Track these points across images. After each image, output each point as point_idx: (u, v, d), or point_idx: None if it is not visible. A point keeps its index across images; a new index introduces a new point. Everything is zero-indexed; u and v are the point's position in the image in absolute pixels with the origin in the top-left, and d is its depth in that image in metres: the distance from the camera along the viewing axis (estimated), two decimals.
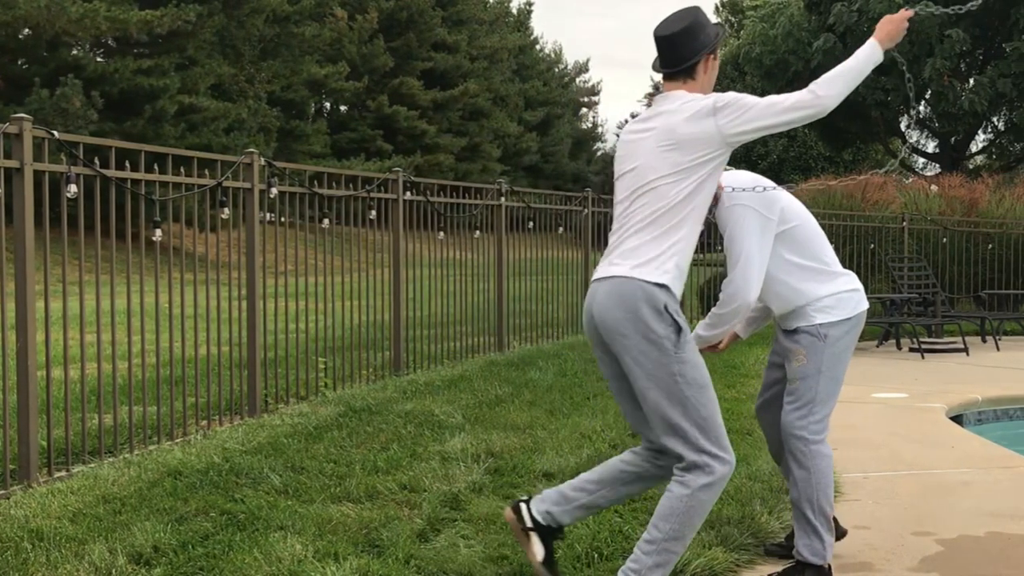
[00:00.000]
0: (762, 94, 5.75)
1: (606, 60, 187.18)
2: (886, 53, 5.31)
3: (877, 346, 18.72)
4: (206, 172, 9.60)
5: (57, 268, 18.92)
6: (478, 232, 14.82)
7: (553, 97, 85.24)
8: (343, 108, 66.85)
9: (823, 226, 6.03)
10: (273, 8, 48.22)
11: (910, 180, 40.36)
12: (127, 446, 8.49)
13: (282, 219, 11.08)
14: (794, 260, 5.71)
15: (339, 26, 57.44)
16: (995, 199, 23.82)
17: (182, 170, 9.32)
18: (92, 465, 7.90)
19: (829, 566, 5.68)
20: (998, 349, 18.18)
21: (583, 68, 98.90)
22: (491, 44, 73.72)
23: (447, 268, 14.19)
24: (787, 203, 5.74)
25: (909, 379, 14.08)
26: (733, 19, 72.93)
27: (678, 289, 5.09)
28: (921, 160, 59.31)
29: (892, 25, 5.29)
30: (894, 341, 18.72)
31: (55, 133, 7.72)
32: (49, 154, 7.74)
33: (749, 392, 11.37)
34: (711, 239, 18.91)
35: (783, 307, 5.79)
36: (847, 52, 37.07)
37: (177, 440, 8.87)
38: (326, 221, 11.31)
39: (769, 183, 5.77)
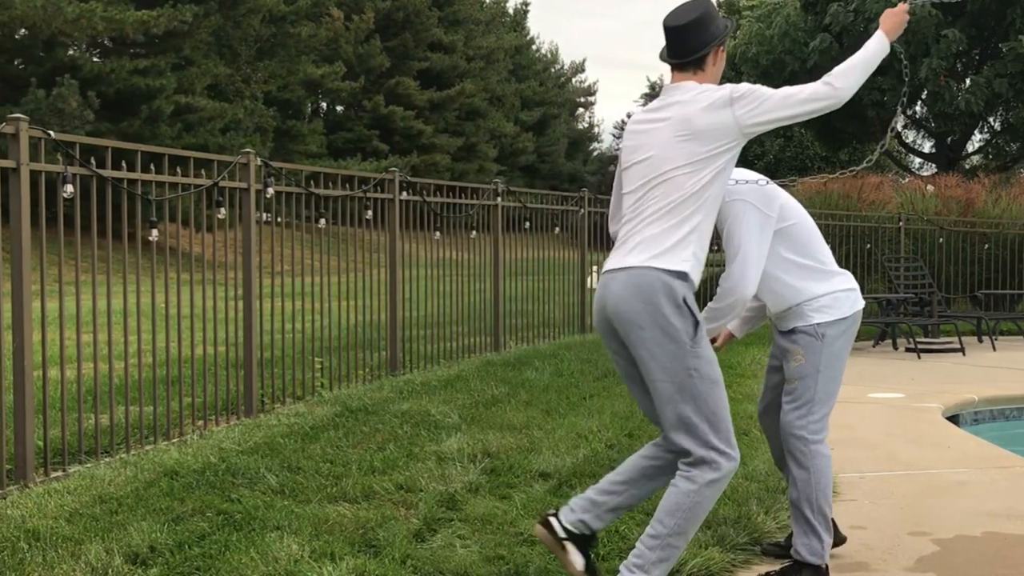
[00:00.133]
0: None
1: (602, 60, 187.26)
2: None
3: (873, 346, 18.73)
4: (202, 172, 9.60)
5: (54, 268, 18.91)
6: (474, 232, 14.82)
7: (549, 97, 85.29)
8: (339, 108, 66.90)
9: (820, 226, 6.04)
10: (269, 8, 48.22)
11: (906, 180, 40.38)
12: (123, 446, 8.49)
13: (278, 219, 11.07)
14: (791, 258, 5.72)
15: (335, 26, 57.42)
16: (991, 199, 23.85)
17: (178, 170, 9.32)
18: (88, 465, 7.89)
19: (826, 566, 5.69)
20: (994, 349, 18.20)
21: (579, 68, 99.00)
22: (487, 44, 73.77)
23: (443, 268, 14.19)
24: (785, 201, 5.75)
25: (905, 379, 14.09)
26: (729, 19, 72.90)
27: (696, 278, 5.11)
28: (917, 160, 59.36)
29: (896, 17, 5.37)
30: (890, 341, 18.72)
31: (51, 133, 7.72)
32: (45, 154, 7.74)
33: (746, 392, 11.37)
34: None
35: (779, 305, 5.79)
36: (844, 52, 37.12)
37: (173, 440, 8.86)
38: (322, 221, 11.31)
39: (765, 180, 5.78)
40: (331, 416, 9.57)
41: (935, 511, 7.24)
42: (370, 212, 12.23)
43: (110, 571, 5.53)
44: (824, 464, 5.68)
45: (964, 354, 17.11)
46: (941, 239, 21.65)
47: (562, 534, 5.35)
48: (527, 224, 16.55)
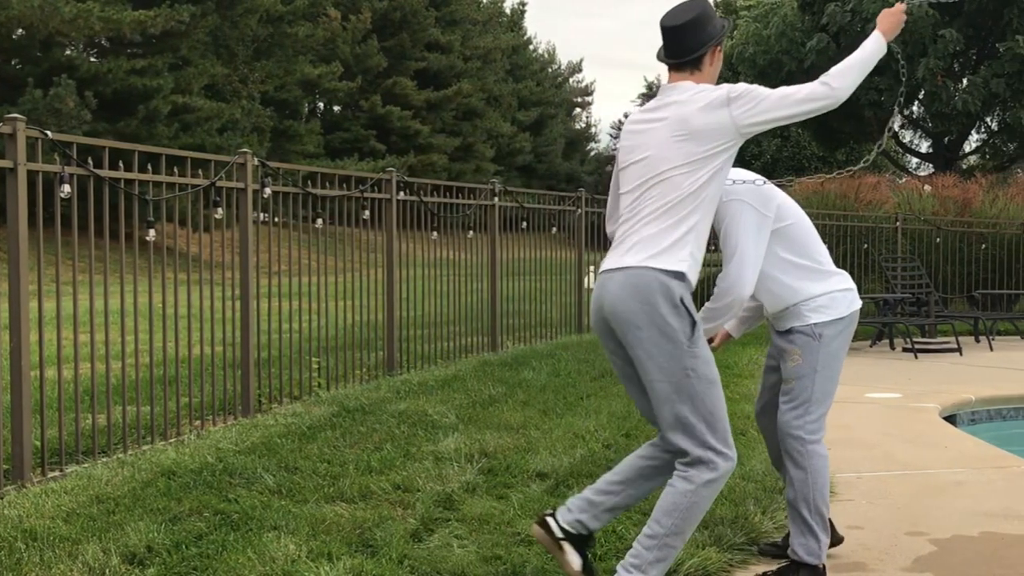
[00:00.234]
0: None
1: (600, 60, 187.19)
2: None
3: (871, 346, 18.74)
4: (200, 172, 9.60)
5: (51, 268, 18.90)
6: (471, 232, 14.82)
7: (546, 97, 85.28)
8: (336, 108, 66.89)
9: (816, 226, 6.06)
10: (266, 8, 48.23)
11: (903, 180, 40.39)
12: (121, 446, 8.49)
13: (276, 219, 11.08)
14: (788, 258, 5.72)
15: (332, 26, 57.41)
16: (988, 199, 23.86)
17: (176, 170, 9.32)
18: (86, 465, 7.89)
19: (823, 566, 5.69)
20: (991, 349, 18.21)
21: (576, 68, 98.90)
22: (484, 44, 73.77)
23: (440, 268, 14.19)
24: (782, 201, 5.76)
25: (903, 379, 14.10)
26: (726, 19, 72.95)
27: (694, 278, 5.11)
28: (915, 160, 59.36)
29: (893, 17, 5.40)
30: (887, 341, 18.74)
31: (49, 133, 7.72)
32: (43, 154, 7.74)
33: (742, 392, 11.38)
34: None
35: (776, 304, 5.80)
36: (841, 52, 37.11)
37: (171, 440, 8.86)
38: (320, 221, 11.31)
39: (762, 180, 5.78)
40: (328, 416, 9.57)
41: (932, 511, 7.25)
42: (367, 212, 12.23)
43: (107, 571, 5.53)
44: (821, 464, 5.68)
45: (961, 354, 17.13)
46: (938, 239, 21.66)
47: (559, 534, 5.35)
48: (524, 224, 16.57)
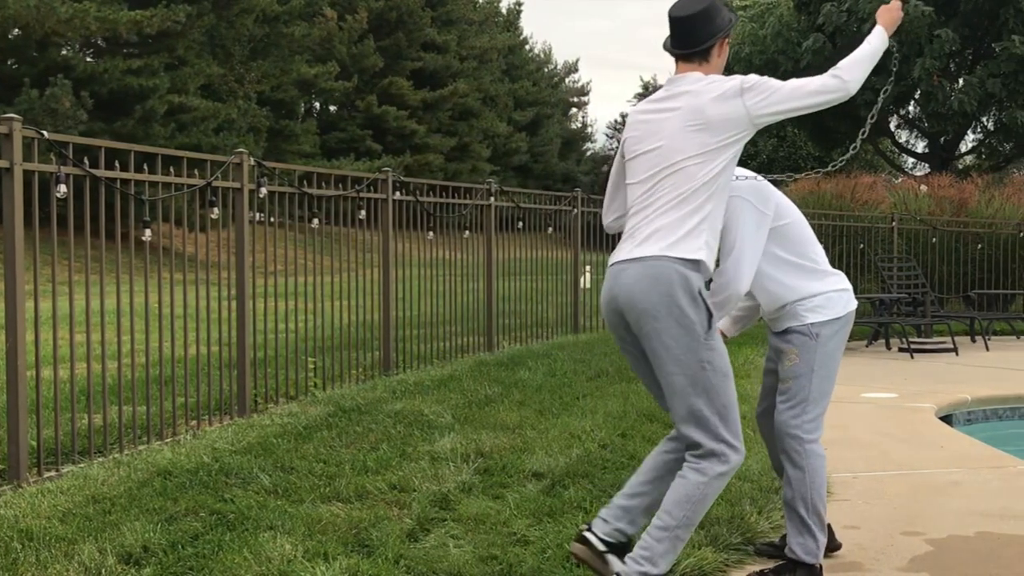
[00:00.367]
0: None
1: (596, 60, 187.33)
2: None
3: (867, 346, 18.75)
4: (196, 172, 9.59)
5: (47, 268, 18.89)
6: (467, 232, 14.82)
7: (543, 97, 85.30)
8: (332, 108, 66.92)
9: (813, 226, 6.06)
10: (263, 8, 48.24)
11: (899, 180, 40.41)
12: (117, 446, 8.49)
13: (272, 219, 11.07)
14: (785, 257, 5.73)
15: (329, 26, 57.39)
16: (984, 199, 23.89)
17: (172, 170, 9.31)
18: (82, 465, 7.89)
19: (820, 566, 5.69)
20: (987, 349, 18.21)
21: (572, 68, 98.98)
22: (481, 44, 73.79)
23: (437, 268, 14.19)
24: (780, 200, 5.77)
25: (899, 379, 14.11)
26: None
27: (710, 266, 5.14)
28: (911, 160, 59.35)
29: (892, 13, 5.52)
30: (883, 341, 18.75)
31: (45, 133, 7.72)
32: (39, 154, 7.74)
33: (740, 392, 11.34)
34: None
35: (772, 303, 5.80)
36: (837, 52, 37.12)
37: (167, 440, 8.87)
38: (316, 221, 11.31)
39: (756, 176, 5.80)
40: (324, 416, 9.56)
41: (928, 511, 7.25)
42: (363, 212, 12.23)
43: (103, 571, 5.53)
44: (819, 463, 5.69)
45: (957, 354, 17.14)
46: (934, 239, 21.67)
47: (601, 547, 5.33)
48: (520, 224, 16.57)
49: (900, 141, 55.20)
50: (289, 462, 7.79)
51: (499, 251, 15.67)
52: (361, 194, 12.26)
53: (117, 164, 8.51)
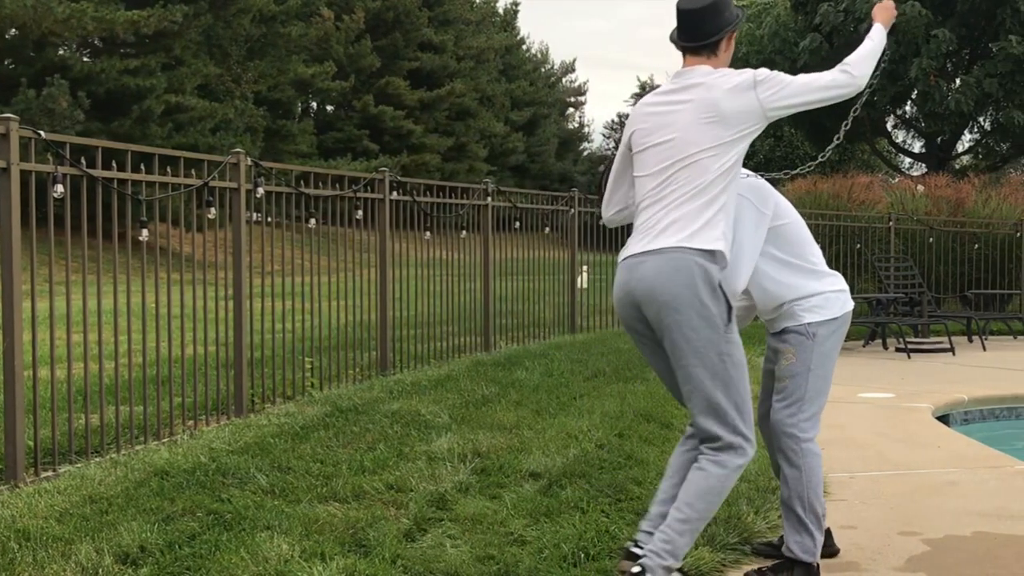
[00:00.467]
0: None
1: (593, 60, 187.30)
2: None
3: (863, 346, 18.75)
4: (192, 172, 9.59)
5: (44, 268, 18.88)
6: (464, 232, 14.82)
7: (539, 97, 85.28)
8: (329, 108, 66.92)
9: (809, 226, 6.06)
10: (260, 8, 48.23)
11: (896, 180, 40.44)
12: (114, 446, 8.48)
13: (268, 219, 11.08)
14: (782, 257, 5.74)
15: (326, 26, 57.47)
16: (981, 199, 23.88)
17: (168, 170, 9.31)
18: (79, 465, 7.89)
19: (818, 564, 5.70)
20: (984, 349, 18.22)
21: (569, 68, 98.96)
22: (477, 44, 73.79)
23: (434, 268, 14.19)
24: (779, 200, 5.78)
25: (895, 379, 14.11)
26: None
27: (728, 255, 5.19)
28: (907, 160, 59.41)
29: (888, 12, 5.63)
30: (880, 341, 18.75)
31: (42, 133, 7.71)
32: (36, 154, 7.73)
33: None
34: None
35: (769, 303, 5.80)
36: (833, 52, 37.18)
37: (164, 440, 8.86)
38: (312, 221, 11.31)
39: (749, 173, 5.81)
40: (321, 416, 9.56)
41: (925, 511, 7.25)
42: (360, 212, 12.23)
43: (100, 571, 5.53)
44: (815, 462, 5.70)
45: (954, 354, 17.13)
46: (931, 239, 21.67)
47: None
48: (517, 224, 16.56)
49: (897, 141, 55.29)
50: (286, 462, 7.79)
51: (496, 251, 15.67)
52: (358, 194, 12.26)
53: (114, 164, 8.51)
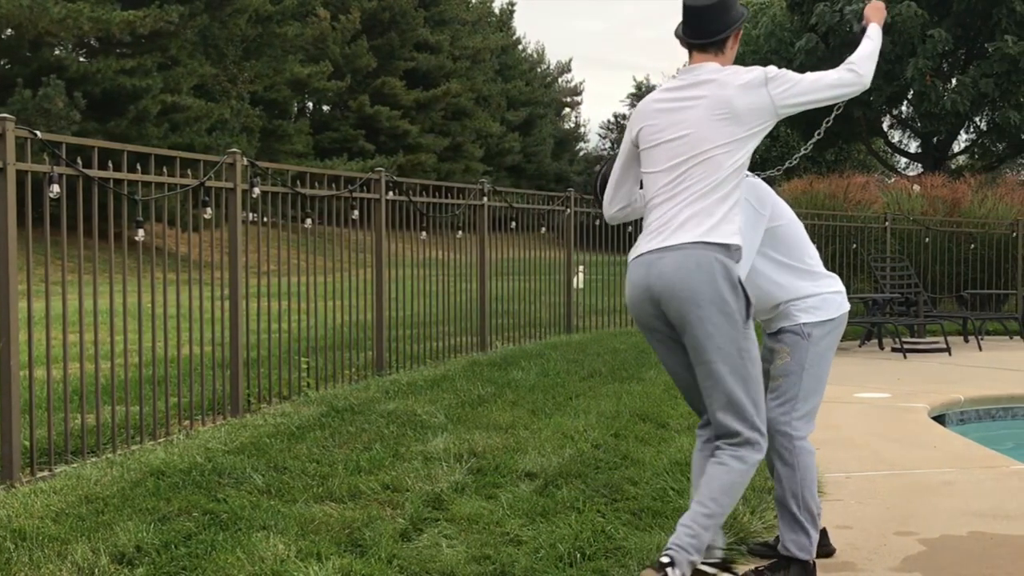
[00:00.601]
0: None
1: (589, 60, 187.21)
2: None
3: (859, 346, 18.76)
4: (189, 172, 9.59)
5: (40, 268, 18.87)
6: (460, 232, 14.82)
7: (536, 97, 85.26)
8: (326, 108, 66.87)
9: (806, 226, 6.09)
10: (256, 8, 48.23)
11: (892, 180, 40.44)
12: (110, 446, 8.48)
13: (265, 219, 11.07)
14: (779, 258, 5.74)
15: (322, 26, 57.46)
16: (977, 199, 23.89)
17: (165, 170, 9.31)
18: (75, 465, 7.88)
19: (814, 562, 5.70)
20: (980, 349, 18.23)
21: (565, 68, 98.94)
22: (474, 44, 73.75)
23: (430, 268, 14.19)
24: (777, 202, 5.79)
25: (891, 379, 14.11)
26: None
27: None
28: (903, 160, 59.45)
29: (880, 12, 5.68)
30: (876, 341, 18.75)
31: (38, 133, 7.71)
32: (32, 154, 7.73)
33: None
34: None
35: (765, 303, 5.80)
36: (829, 52, 37.19)
37: (160, 440, 8.86)
38: (308, 221, 11.30)
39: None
40: (317, 416, 9.56)
41: (921, 511, 7.25)
42: (356, 212, 12.23)
43: (96, 571, 5.53)
44: (809, 460, 5.70)
45: (950, 354, 17.14)
46: (927, 239, 21.67)
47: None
48: (513, 224, 16.56)
49: (893, 141, 55.31)
50: (282, 462, 7.79)
51: (492, 251, 15.67)
52: (354, 194, 12.26)
53: (110, 164, 8.51)
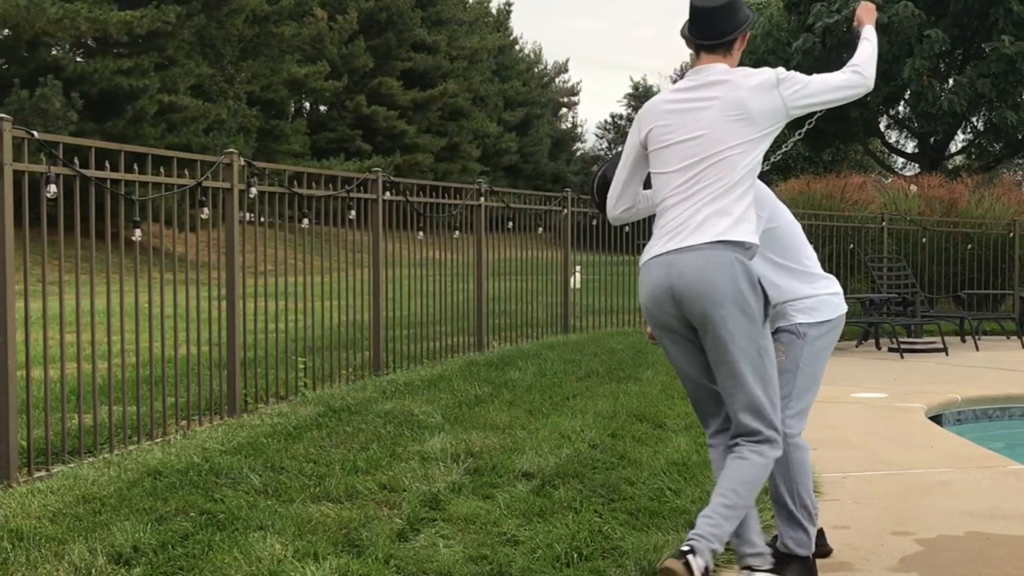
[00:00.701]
0: None
1: (586, 60, 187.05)
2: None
3: (856, 346, 18.77)
4: (186, 172, 9.59)
5: (37, 268, 18.85)
6: (457, 232, 14.82)
7: (533, 97, 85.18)
8: (323, 108, 66.78)
9: (803, 226, 6.08)
10: (253, 8, 48.19)
11: (889, 180, 40.47)
12: (107, 446, 8.48)
13: (262, 219, 11.07)
14: (777, 260, 5.75)
15: (319, 26, 57.37)
16: (974, 199, 23.93)
17: (162, 170, 9.31)
18: (72, 465, 7.88)
19: (813, 558, 5.71)
20: (977, 349, 18.25)
21: (562, 68, 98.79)
22: (471, 44, 73.67)
23: (427, 268, 14.18)
24: (775, 203, 5.80)
25: (888, 379, 14.12)
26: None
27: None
28: (900, 160, 59.45)
29: (872, 12, 5.75)
30: (873, 341, 18.76)
31: (35, 133, 7.71)
32: (29, 154, 7.73)
33: None
34: None
35: None
36: (827, 52, 37.21)
37: (157, 440, 8.86)
38: (306, 221, 11.30)
39: None
40: (314, 416, 9.56)
41: (918, 511, 7.26)
42: (353, 212, 12.23)
43: (93, 571, 5.53)
44: (803, 456, 5.71)
45: (947, 354, 17.16)
46: (924, 239, 21.69)
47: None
48: (510, 224, 16.56)
49: (890, 141, 55.33)
50: (279, 462, 7.79)
51: (489, 251, 15.67)
52: (351, 194, 12.26)
53: (107, 164, 8.51)
